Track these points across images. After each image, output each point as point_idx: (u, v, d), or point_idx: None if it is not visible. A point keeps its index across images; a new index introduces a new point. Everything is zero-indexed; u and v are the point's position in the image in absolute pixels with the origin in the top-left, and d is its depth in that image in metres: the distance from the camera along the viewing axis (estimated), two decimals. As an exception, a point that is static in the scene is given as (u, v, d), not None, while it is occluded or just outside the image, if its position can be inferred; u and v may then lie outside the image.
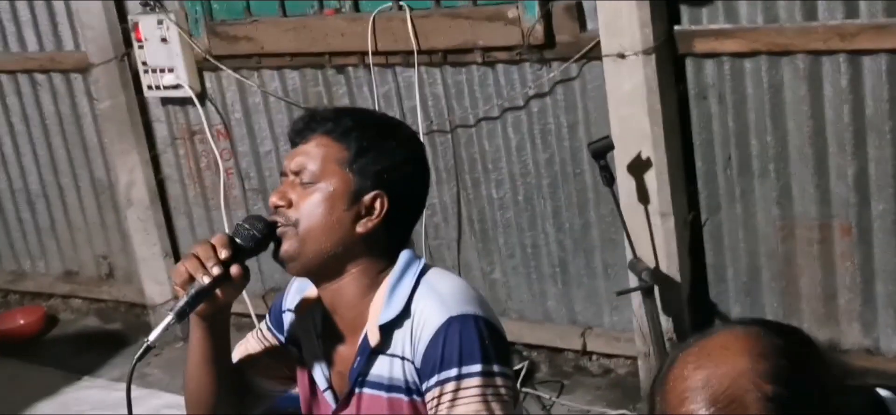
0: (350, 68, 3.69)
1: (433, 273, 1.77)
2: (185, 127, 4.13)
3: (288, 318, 1.92)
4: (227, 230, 4.04)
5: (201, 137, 4.08)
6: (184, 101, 4.05)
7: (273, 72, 3.84)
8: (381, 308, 1.71)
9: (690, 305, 3.33)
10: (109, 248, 4.57)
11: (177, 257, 4.38)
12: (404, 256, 1.75)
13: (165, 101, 4.13)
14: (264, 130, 3.98)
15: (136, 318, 4.51)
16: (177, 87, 3.92)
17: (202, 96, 3.99)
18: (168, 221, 4.33)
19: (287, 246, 1.72)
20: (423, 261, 1.78)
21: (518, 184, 3.56)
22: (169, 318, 1.63)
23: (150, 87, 4.00)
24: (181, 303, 1.65)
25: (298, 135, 1.77)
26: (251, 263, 1.74)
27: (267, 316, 1.98)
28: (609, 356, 3.60)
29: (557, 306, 3.67)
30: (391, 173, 1.74)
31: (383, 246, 1.75)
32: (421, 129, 3.49)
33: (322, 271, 1.74)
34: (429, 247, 3.77)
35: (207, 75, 3.97)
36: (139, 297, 4.43)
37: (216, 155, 4.02)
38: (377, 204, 1.73)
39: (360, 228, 1.72)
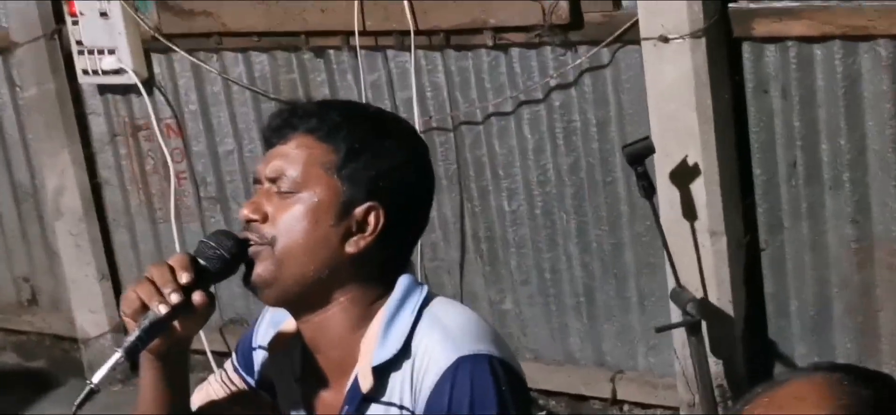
0: (331, 52, 3.67)
1: (439, 304, 1.74)
2: (128, 121, 4.10)
3: (259, 356, 1.88)
4: (177, 247, 4.03)
5: (148, 133, 4.05)
6: (127, 90, 4.03)
7: (237, 55, 3.82)
8: (375, 346, 1.69)
9: (745, 345, 3.31)
10: (32, 268, 4.53)
11: (115, 280, 4.36)
12: (403, 282, 1.73)
13: (104, 90, 4.10)
14: (225, 125, 3.95)
15: (65, 354, 4.47)
16: (119, 71, 3.90)
17: (149, 84, 3.96)
18: (105, 235, 4.30)
19: (261, 269, 1.70)
20: (425, 288, 1.75)
21: (535, 194, 3.55)
22: (117, 355, 1.61)
23: (85, 72, 3.97)
24: (132, 337, 1.63)
25: (275, 133, 1.75)
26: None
27: (233, 355, 1.94)
28: (644, 406, 3.58)
29: (582, 345, 3.65)
30: (388, 180, 1.72)
31: (378, 269, 1.73)
32: (417, 126, 3.49)
33: (303, 300, 1.71)
34: (425, 270, 3.73)
35: (156, 58, 3.95)
36: (68, 328, 4.39)
37: (166, 155, 4.00)
38: (371, 218, 1.71)
39: (350, 248, 1.70)
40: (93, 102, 4.16)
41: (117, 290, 4.35)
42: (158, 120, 3.99)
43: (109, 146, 4.19)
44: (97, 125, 4.19)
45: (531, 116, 3.48)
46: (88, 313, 4.33)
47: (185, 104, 3.99)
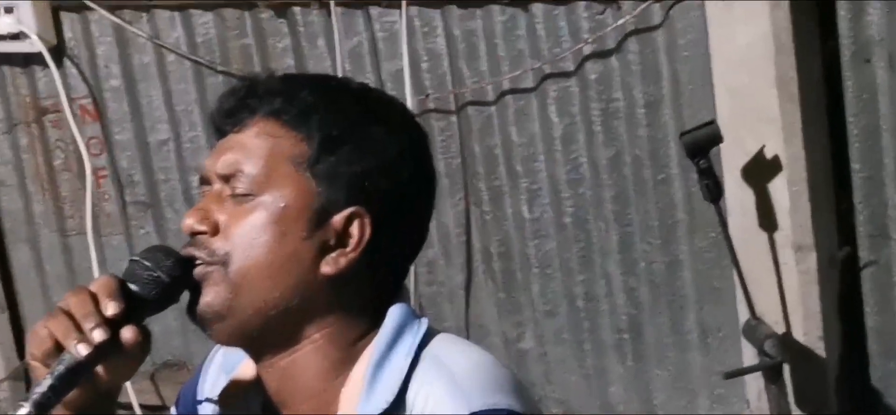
0: (297, 10, 3.67)
1: (441, 342, 1.73)
2: (31, 101, 4.10)
3: (207, 411, 1.89)
4: (95, 268, 4.02)
5: (56, 117, 4.05)
6: (28, 60, 4.03)
7: (172, 15, 3.82)
8: (360, 398, 1.67)
9: (840, 393, 3.32)
10: None
11: (13, 311, 4.34)
12: (396, 313, 1.72)
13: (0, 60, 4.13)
14: (158, 107, 3.95)
15: (-55, 409, 4.49)
16: (17, 36, 3.90)
17: (58, 52, 3.97)
18: (0, 252, 4.33)
19: (211, 296, 1.68)
20: (425, 322, 1.74)
21: (564, 197, 3.55)
22: (23, 411, 1.60)
23: (-28, 38, 4.00)
24: (42, 387, 1.61)
25: (228, 118, 1.74)
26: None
27: (173, 409, 1.95)
28: (708, 475, 3.61)
29: (626, 394, 3.66)
30: (376, 179, 1.71)
31: (363, 297, 1.72)
32: (408, 106, 3.49)
33: (266, 337, 1.70)
34: (419, 298, 3.75)
35: (67, 19, 3.95)
36: (-51, 375, 4.42)
37: (80, 146, 4.00)
38: (354, 228, 1.70)
39: (326, 268, 1.69)
40: (-17, 77, 4.16)
41: (16, 324, 4.34)
42: (70, 100, 3.98)
43: (5, 135, 4.18)
44: (-11, 107, 4.18)
45: (559, 93, 3.48)
46: (-22, 354, 4.31)
47: (105, 79, 3.99)
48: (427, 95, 3.60)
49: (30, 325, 4.37)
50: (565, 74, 3.46)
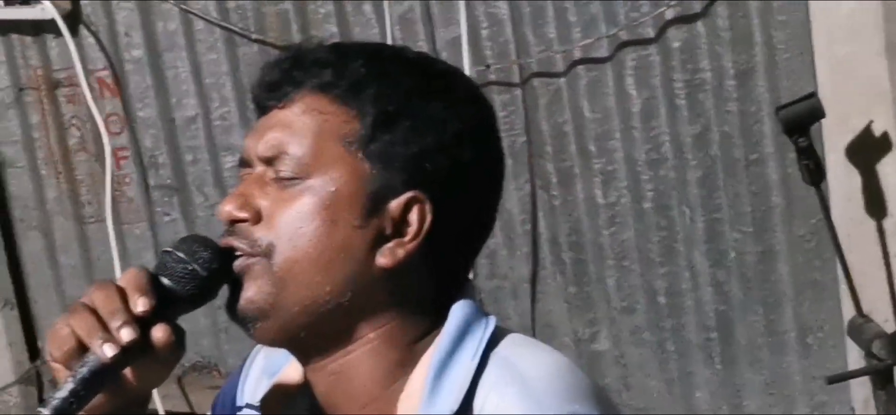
0: (341, -30, 3.69)
1: (511, 343, 1.73)
2: (43, 74, 4.12)
3: (247, 421, 1.90)
4: (116, 261, 4.06)
5: (71, 91, 4.07)
6: (40, 28, 4.06)
7: (201, -24, 3.85)
8: (420, 404, 1.68)
9: (960, 402, 3.32)
10: None
11: (23, 307, 4.37)
12: (461, 310, 1.72)
13: (6, 28, 4.11)
14: (185, 80, 3.97)
15: (-52, 418, 4.54)
16: (28, 1, 3.93)
17: (73, 19, 3.99)
18: (9, 242, 4.33)
19: (253, 291, 1.67)
20: (492, 321, 1.73)
21: (643, 180, 3.56)
22: (41, 417, 1.62)
23: (-22, 3, 4.04)
24: (63, 392, 1.60)
25: (271, 93, 1.73)
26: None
27: (208, 416, 1.98)
28: (808, 492, 3.61)
29: (713, 401, 3.66)
30: (437, 161, 1.70)
31: (423, 292, 1.72)
32: (469, 78, 3.50)
33: (313, 338, 1.69)
34: (478, 293, 3.74)
35: (83, -19, 3.99)
36: (-47, 380, 4.47)
37: (97, 124, 4.02)
38: (413, 215, 1.69)
39: (382, 260, 1.68)
40: (-11, 47, 4.20)
41: (27, 322, 4.37)
42: (87, 72, 4.00)
43: (14, 110, 4.21)
44: (-5, 79, 4.22)
45: (637, 63, 3.48)
46: (-17, 357, 4.35)
47: (125, 49, 4.00)
48: (488, 66, 3.61)
49: (41, 322, 4.40)
50: (644, 42, 3.46)
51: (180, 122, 4.02)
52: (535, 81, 3.60)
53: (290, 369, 1.84)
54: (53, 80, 4.13)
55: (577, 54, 3.53)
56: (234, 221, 1.73)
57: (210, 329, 4.03)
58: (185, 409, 4.06)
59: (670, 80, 3.46)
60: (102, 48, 4.01)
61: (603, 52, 3.51)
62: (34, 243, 4.33)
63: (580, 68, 3.55)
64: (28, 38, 4.13)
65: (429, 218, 1.72)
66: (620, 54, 3.50)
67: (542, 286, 3.75)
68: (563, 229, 3.69)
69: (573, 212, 3.66)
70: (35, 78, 4.17)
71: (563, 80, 3.57)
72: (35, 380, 4.39)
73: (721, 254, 3.54)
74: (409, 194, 1.71)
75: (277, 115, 1.75)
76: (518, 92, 3.62)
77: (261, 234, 1.71)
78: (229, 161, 3.98)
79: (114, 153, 4.05)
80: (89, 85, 4.00)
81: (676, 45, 3.43)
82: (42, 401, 1.66)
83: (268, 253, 1.70)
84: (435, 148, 1.73)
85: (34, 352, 4.43)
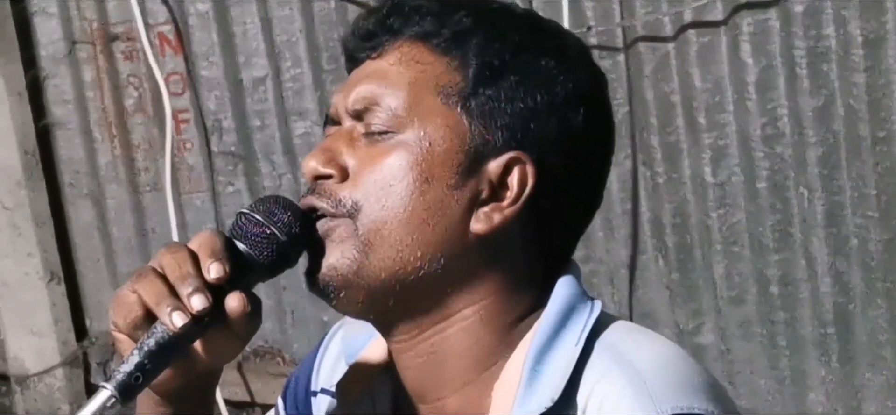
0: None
1: (620, 330, 1.73)
2: (98, 27, 4.17)
3: (322, 406, 1.91)
4: (174, 230, 4.08)
5: (128, 47, 4.11)
6: (95, -23, 4.11)
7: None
8: (518, 393, 1.68)
9: None
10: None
11: (70, 281, 4.42)
12: (565, 289, 1.72)
13: (59, -23, 4.19)
14: (254, 37, 4.00)
15: (-10, 396, 4.58)
16: (84, -53, 3.99)
17: (133, -33, 4.03)
18: (57, 211, 4.39)
19: (336, 257, 1.67)
20: (598, 304, 1.72)
21: (758, 157, 3.54)
22: (105, 394, 1.59)
23: (30, -51, 4.07)
24: (128, 366, 1.60)
25: (364, 43, 1.75)
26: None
27: (279, 402, 1.97)
28: None
29: (828, 402, 3.64)
30: (543, 121, 1.71)
31: (524, 266, 1.73)
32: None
33: (401, 310, 1.71)
34: (571, 276, 3.78)
35: (145, -75, 4.01)
36: (-4, 359, 4.51)
37: (159, 83, 4.05)
38: (513, 178, 1.68)
39: (477, 225, 1.68)
40: (40, -2, 4.23)
41: (74, 298, 4.40)
42: (147, 27, 4.03)
43: (65, 66, 4.24)
44: (46, 33, 4.24)
45: (754, 26, 3.48)
46: (29, 335, 4.38)
47: (189, 2, 4.03)
48: (589, 28, 3.62)
49: (90, 299, 4.43)
50: (762, 5, 3.45)
51: (248, 83, 4.05)
52: (641, 46, 3.61)
53: (369, 351, 1.85)
54: (110, 35, 4.16)
55: (688, 17, 3.54)
56: (317, 177, 1.73)
57: (274, 310, 4.04)
58: (246, 398, 4.07)
59: (790, 48, 3.45)
60: (165, 1, 4.03)
61: (717, 14, 3.51)
62: (84, 212, 4.37)
63: (691, 32, 3.55)
64: (81, -12, 4.16)
65: (531, 182, 1.72)
66: (736, 18, 3.49)
67: (642, 272, 3.76)
68: (667, 210, 3.70)
69: (678, 191, 3.67)
70: (90, 32, 4.20)
71: (671, 45, 3.58)
72: (81, 362, 4.42)
73: (842, 240, 3.52)
74: (509, 155, 1.71)
75: (370, 65, 1.76)
76: (621, 57, 3.63)
77: (346, 193, 1.71)
78: (300, 127, 3.99)
79: (174, 116, 4.09)
80: (149, 40, 4.04)
81: (799, 8, 3.42)
82: (99, 380, 1.66)
83: (353, 213, 1.70)
84: (541, 107, 1.73)
85: (81, 331, 4.46)
